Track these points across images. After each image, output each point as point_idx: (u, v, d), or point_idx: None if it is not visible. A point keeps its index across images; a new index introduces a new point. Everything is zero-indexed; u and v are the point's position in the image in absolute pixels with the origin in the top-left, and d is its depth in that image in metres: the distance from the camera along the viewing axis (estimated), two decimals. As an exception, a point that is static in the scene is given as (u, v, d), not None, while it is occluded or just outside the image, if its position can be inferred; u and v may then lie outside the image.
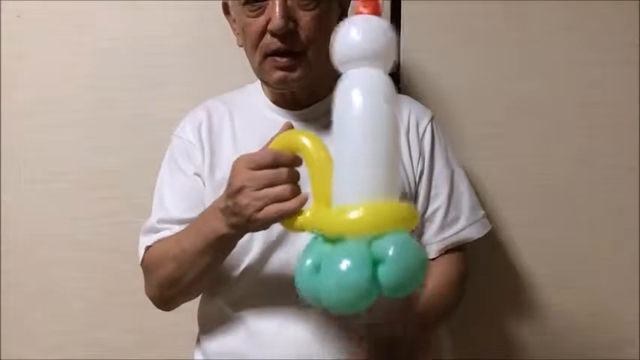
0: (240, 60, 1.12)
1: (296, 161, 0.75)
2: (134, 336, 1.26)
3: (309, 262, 0.67)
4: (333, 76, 0.98)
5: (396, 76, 1.20)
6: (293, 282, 0.89)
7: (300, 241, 0.90)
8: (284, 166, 0.75)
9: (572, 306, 1.28)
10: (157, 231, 0.96)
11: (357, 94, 0.66)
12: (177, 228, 0.93)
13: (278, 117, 0.97)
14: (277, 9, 0.85)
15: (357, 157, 0.66)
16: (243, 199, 0.75)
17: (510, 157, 1.24)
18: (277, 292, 0.91)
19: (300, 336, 0.89)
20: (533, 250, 1.26)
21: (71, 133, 1.23)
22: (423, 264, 0.64)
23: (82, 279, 1.26)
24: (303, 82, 0.91)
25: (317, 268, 0.66)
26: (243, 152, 0.94)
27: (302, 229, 0.74)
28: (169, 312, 0.99)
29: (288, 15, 0.86)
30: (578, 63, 1.23)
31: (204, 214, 0.86)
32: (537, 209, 1.26)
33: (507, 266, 1.27)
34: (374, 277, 0.61)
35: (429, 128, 1.00)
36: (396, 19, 1.19)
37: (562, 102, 1.24)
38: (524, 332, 1.28)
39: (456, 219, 0.99)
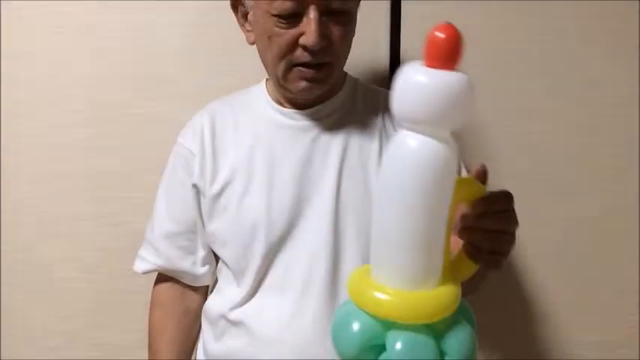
0: (240, 60, 1.12)
1: None
2: (134, 336, 1.26)
3: (356, 329, 0.65)
4: (339, 78, 0.99)
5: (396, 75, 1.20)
6: (292, 284, 0.90)
7: (302, 243, 0.91)
8: None
9: (572, 306, 1.28)
10: (150, 247, 1.01)
11: (407, 170, 0.61)
12: (171, 245, 1.00)
13: (282, 118, 0.97)
14: (315, 26, 0.84)
15: (393, 236, 0.63)
16: None
17: (510, 157, 1.24)
18: (279, 294, 0.91)
19: (301, 337, 0.89)
20: (533, 250, 1.26)
21: (71, 133, 1.23)
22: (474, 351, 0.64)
23: (82, 279, 1.26)
24: (324, 89, 0.93)
25: (371, 344, 0.65)
26: (247, 155, 0.96)
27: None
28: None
29: (324, 32, 0.86)
30: (578, 63, 1.23)
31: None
32: (537, 209, 1.25)
33: (507, 266, 1.27)
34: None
35: None
36: (396, 19, 1.19)
37: (562, 102, 1.24)
38: (525, 332, 1.29)
39: None
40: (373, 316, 0.64)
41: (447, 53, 0.59)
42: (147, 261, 1.02)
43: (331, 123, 0.96)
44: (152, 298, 1.06)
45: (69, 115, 1.23)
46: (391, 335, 0.62)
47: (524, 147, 1.24)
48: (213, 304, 0.98)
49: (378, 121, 0.98)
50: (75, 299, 1.26)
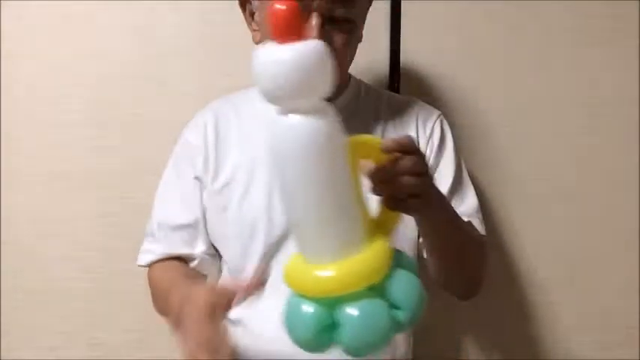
0: (240, 60, 1.12)
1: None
2: (134, 336, 1.26)
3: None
4: (343, 80, 0.99)
5: (396, 76, 1.20)
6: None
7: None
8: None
9: (572, 306, 1.28)
10: (155, 239, 0.99)
11: (292, 153, 0.60)
12: (174, 237, 0.97)
13: None
14: (315, 34, 0.83)
15: (304, 216, 0.62)
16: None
17: (510, 157, 1.24)
18: (278, 293, 0.91)
19: None
20: (533, 250, 1.27)
21: (71, 133, 1.23)
22: (385, 328, 0.63)
23: (82, 279, 1.26)
24: None
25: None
26: (250, 154, 0.95)
27: None
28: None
29: (325, 39, 0.85)
30: (578, 63, 1.23)
31: (171, 297, 0.86)
32: (537, 209, 1.26)
33: (507, 266, 1.27)
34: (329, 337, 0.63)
35: (437, 125, 1.00)
36: (396, 19, 1.19)
37: (562, 102, 1.24)
38: (525, 332, 1.28)
39: (456, 207, 0.97)
40: (317, 299, 0.63)
41: (290, 24, 0.58)
42: (151, 252, 1.00)
43: None
44: (150, 280, 1.01)
45: (69, 115, 1.23)
46: (341, 310, 0.61)
47: (525, 147, 1.24)
48: None
49: (380, 124, 0.98)
50: (75, 299, 1.26)
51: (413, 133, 0.98)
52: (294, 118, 0.60)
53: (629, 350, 1.29)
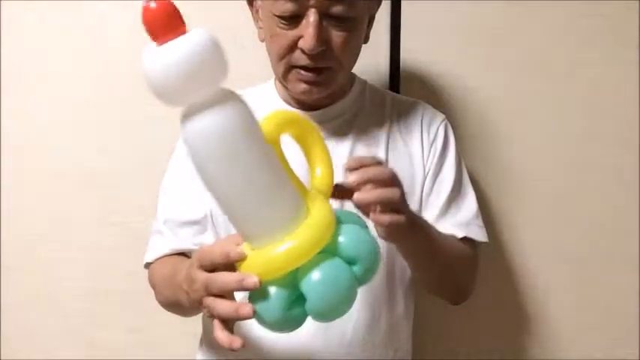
0: (241, 60, 1.11)
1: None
2: (134, 336, 1.26)
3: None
4: (347, 81, 0.98)
5: (396, 76, 1.20)
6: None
7: None
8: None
9: (572, 306, 1.28)
10: (162, 236, 0.97)
11: (206, 150, 0.60)
12: (182, 232, 0.95)
13: None
14: (312, 30, 0.83)
15: (240, 204, 0.62)
16: (201, 303, 0.72)
17: (510, 157, 1.24)
18: None
19: (303, 337, 0.89)
20: (533, 250, 1.27)
21: (71, 133, 1.23)
22: (348, 287, 0.64)
23: (82, 279, 1.26)
24: (326, 94, 0.91)
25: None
26: None
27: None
28: (169, 312, 0.99)
29: (322, 36, 0.84)
30: (578, 63, 1.23)
31: (175, 278, 0.83)
32: (537, 209, 1.26)
33: (507, 267, 1.27)
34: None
35: (441, 128, 1.00)
36: (396, 19, 1.19)
37: (562, 102, 1.24)
38: (525, 332, 1.29)
39: (454, 214, 0.98)
40: (278, 280, 0.63)
41: (165, 21, 0.57)
42: (158, 249, 0.97)
43: (338, 125, 0.96)
44: (152, 274, 0.99)
45: (69, 115, 1.23)
46: (303, 279, 0.62)
47: (524, 147, 1.24)
48: None
49: (385, 125, 0.98)
50: (75, 299, 1.26)
51: (417, 135, 0.98)
52: (197, 119, 0.59)
53: (629, 350, 1.29)
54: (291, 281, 0.63)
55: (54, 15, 1.21)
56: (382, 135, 0.96)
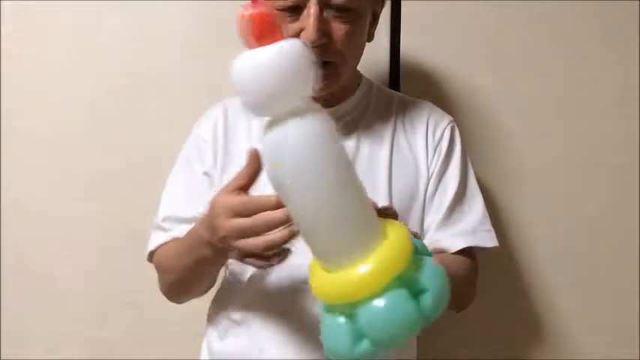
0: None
1: (278, 204, 0.68)
2: (134, 336, 1.26)
3: (343, 325, 0.62)
4: (354, 81, 0.98)
5: (397, 75, 1.20)
6: (297, 289, 0.90)
7: (304, 249, 0.90)
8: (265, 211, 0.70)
9: (572, 306, 1.28)
10: (162, 230, 0.97)
11: (293, 164, 0.58)
12: (180, 227, 0.94)
13: None
14: (312, 21, 0.83)
15: (324, 221, 0.60)
16: (229, 247, 0.73)
17: (510, 157, 1.24)
18: (282, 298, 0.91)
19: (302, 341, 0.89)
20: (533, 250, 1.27)
21: (71, 133, 1.23)
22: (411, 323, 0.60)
23: (82, 279, 1.26)
24: (329, 90, 0.90)
25: (359, 335, 0.61)
26: None
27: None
28: (169, 312, 0.99)
29: (322, 28, 0.84)
30: (578, 63, 1.23)
31: (190, 237, 0.84)
32: (537, 209, 1.26)
33: (507, 266, 1.27)
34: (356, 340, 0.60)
35: (447, 130, 0.99)
36: (396, 19, 1.19)
37: (562, 102, 1.24)
38: (526, 332, 1.29)
39: (460, 220, 0.97)
40: (348, 303, 0.60)
41: (265, 26, 0.58)
42: (159, 239, 0.96)
43: (344, 125, 0.95)
44: (156, 264, 0.97)
45: (69, 115, 1.23)
46: (363, 310, 0.59)
47: (525, 147, 1.24)
48: (219, 301, 0.98)
49: (390, 126, 0.97)
50: (75, 299, 1.26)
51: (422, 136, 0.97)
52: (286, 125, 0.58)
53: (629, 350, 1.29)
54: (354, 306, 0.60)
55: (54, 15, 1.21)
56: (387, 135, 0.96)
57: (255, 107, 0.59)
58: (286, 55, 0.57)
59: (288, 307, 0.91)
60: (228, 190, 0.74)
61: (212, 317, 1.00)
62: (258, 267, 0.75)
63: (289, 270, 0.91)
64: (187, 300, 0.98)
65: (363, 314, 0.59)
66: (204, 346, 1.02)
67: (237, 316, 0.94)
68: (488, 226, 1.01)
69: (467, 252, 0.96)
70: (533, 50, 1.22)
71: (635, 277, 1.28)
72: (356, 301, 0.59)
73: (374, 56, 1.19)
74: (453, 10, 1.20)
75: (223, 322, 0.96)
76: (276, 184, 0.61)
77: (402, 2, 1.19)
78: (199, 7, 1.21)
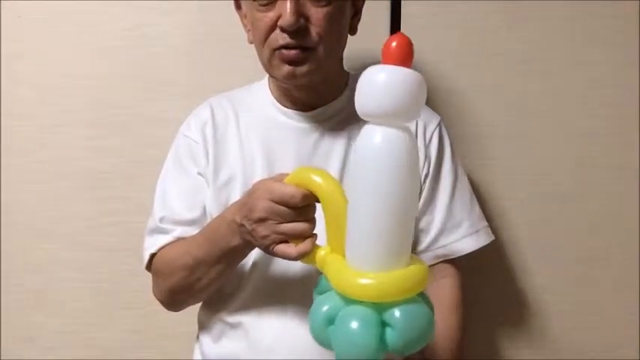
0: (241, 60, 1.12)
1: (315, 201, 0.75)
2: (134, 336, 1.26)
3: (324, 309, 0.69)
4: (341, 79, 0.98)
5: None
6: (292, 289, 0.90)
7: None
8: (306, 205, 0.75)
9: (572, 306, 1.28)
10: (161, 232, 0.96)
11: (377, 162, 0.64)
12: (179, 229, 0.94)
13: (285, 118, 0.96)
14: (289, 5, 0.84)
15: (373, 225, 0.66)
16: (263, 230, 0.76)
17: (510, 157, 1.24)
18: (277, 299, 0.91)
19: (300, 342, 0.89)
20: (533, 251, 1.26)
21: (71, 133, 1.23)
22: (429, 328, 0.67)
23: (82, 279, 1.26)
24: (312, 78, 0.89)
25: (331, 320, 0.68)
26: (248, 153, 0.95)
27: (318, 267, 0.75)
28: (169, 312, 0.99)
29: (299, 11, 0.85)
30: (578, 63, 1.23)
31: (217, 225, 0.86)
32: (537, 210, 1.25)
33: (507, 266, 1.27)
34: (382, 339, 0.65)
35: (436, 133, 0.99)
36: (396, 19, 1.19)
37: (562, 102, 1.24)
38: (525, 332, 1.28)
39: (455, 227, 0.98)
40: (367, 304, 0.66)
41: (404, 52, 0.64)
42: (160, 240, 0.96)
43: (333, 125, 0.96)
44: (157, 266, 0.97)
45: (69, 115, 1.23)
46: (389, 313, 0.66)
47: (524, 147, 1.24)
48: (212, 305, 0.98)
49: None
50: (75, 299, 1.26)
51: None
52: (386, 130, 0.64)
53: (629, 350, 1.29)
54: (377, 309, 0.66)
55: (54, 15, 1.21)
56: None
57: (373, 115, 0.65)
58: (421, 83, 0.64)
59: (284, 308, 0.91)
60: (274, 179, 0.77)
61: (204, 322, 0.99)
62: (287, 258, 0.77)
63: (285, 271, 0.91)
64: (189, 304, 0.97)
65: (388, 319, 0.66)
66: (196, 347, 1.02)
67: (231, 319, 0.94)
68: (485, 221, 1.02)
69: (449, 265, 0.99)
70: (533, 50, 1.22)
71: (635, 277, 1.27)
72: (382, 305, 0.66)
73: (374, 56, 1.18)
74: (453, 11, 1.20)
75: (217, 326, 0.96)
76: (356, 178, 0.67)
77: (402, 2, 1.19)
78: (201, 8, 1.21)
